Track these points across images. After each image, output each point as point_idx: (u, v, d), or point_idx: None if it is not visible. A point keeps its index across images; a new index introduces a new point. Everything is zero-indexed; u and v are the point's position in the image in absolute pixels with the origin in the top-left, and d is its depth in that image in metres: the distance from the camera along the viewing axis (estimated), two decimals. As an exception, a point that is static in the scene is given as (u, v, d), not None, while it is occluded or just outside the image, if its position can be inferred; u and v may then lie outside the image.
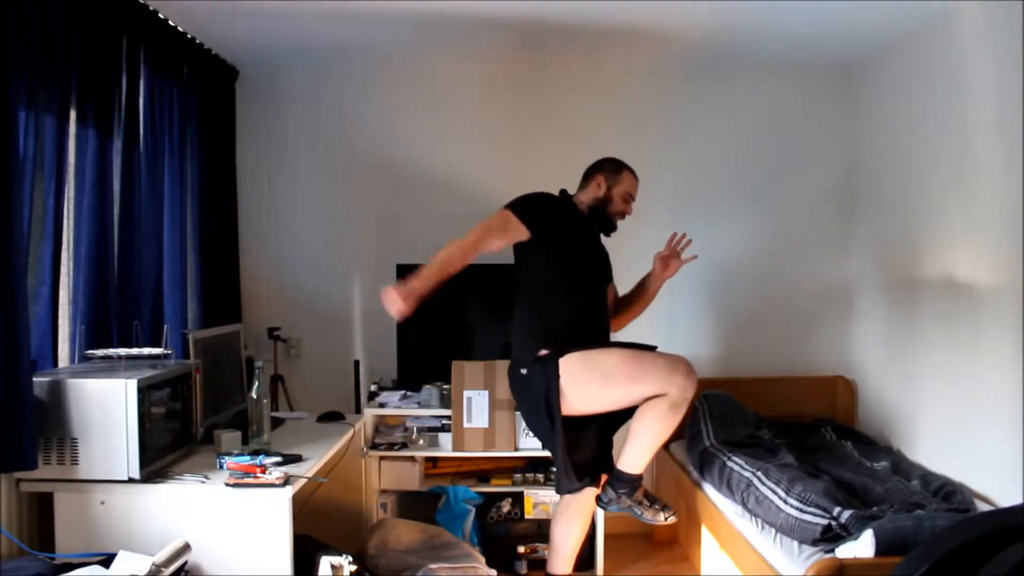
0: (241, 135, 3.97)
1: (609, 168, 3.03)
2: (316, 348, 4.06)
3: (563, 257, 2.85)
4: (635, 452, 2.77)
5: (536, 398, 2.81)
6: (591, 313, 2.92)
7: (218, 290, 3.65)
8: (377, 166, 4.07)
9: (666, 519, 2.84)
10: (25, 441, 2.11)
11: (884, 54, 3.70)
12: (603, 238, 3.08)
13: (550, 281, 2.85)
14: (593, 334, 2.86)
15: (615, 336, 3.09)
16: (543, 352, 2.78)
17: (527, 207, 2.85)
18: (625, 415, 2.94)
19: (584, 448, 2.88)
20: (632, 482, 2.81)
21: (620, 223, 3.07)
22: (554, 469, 3.10)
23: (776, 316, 4.13)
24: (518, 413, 3.36)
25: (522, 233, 2.81)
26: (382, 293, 2.66)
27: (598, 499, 2.90)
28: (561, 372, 2.73)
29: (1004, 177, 2.81)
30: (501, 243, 2.81)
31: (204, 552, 2.21)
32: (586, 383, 2.74)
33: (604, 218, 3.01)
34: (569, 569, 3.02)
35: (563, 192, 3.06)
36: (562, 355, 2.74)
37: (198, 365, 2.71)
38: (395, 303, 2.63)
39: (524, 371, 2.83)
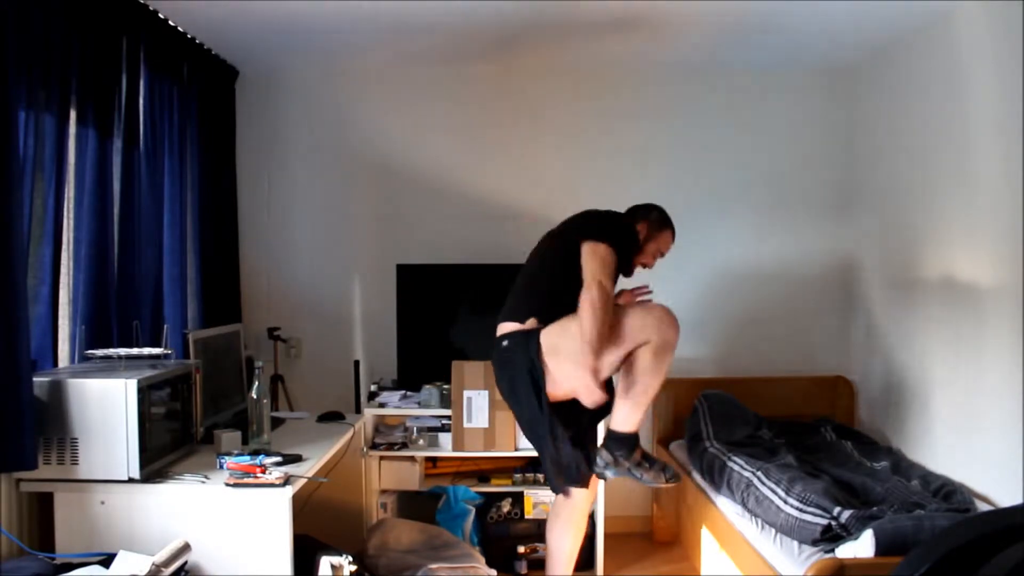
0: (241, 135, 3.97)
1: (654, 219, 2.95)
2: (316, 348, 4.06)
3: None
4: (627, 408, 2.63)
5: (518, 374, 2.66)
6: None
7: (218, 290, 3.65)
8: (377, 166, 4.07)
9: (668, 480, 2.68)
10: (25, 441, 2.11)
11: (884, 54, 3.70)
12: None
13: (567, 285, 2.70)
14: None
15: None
16: (529, 324, 2.67)
17: (622, 242, 2.73)
18: (605, 411, 2.83)
19: (573, 446, 2.81)
20: (627, 441, 2.67)
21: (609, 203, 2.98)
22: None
23: (776, 316, 4.13)
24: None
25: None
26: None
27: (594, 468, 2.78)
28: (543, 343, 2.61)
29: (1004, 177, 2.81)
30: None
31: (204, 552, 2.21)
32: (566, 351, 2.59)
33: (627, 265, 2.92)
34: (569, 571, 3.01)
35: (630, 215, 2.97)
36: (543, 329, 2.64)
37: (198, 365, 2.71)
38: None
39: (505, 343, 2.70)
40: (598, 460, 2.74)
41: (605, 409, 2.85)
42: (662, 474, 2.68)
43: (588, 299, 2.54)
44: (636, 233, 2.94)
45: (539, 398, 2.64)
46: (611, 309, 2.54)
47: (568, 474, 2.78)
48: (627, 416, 2.65)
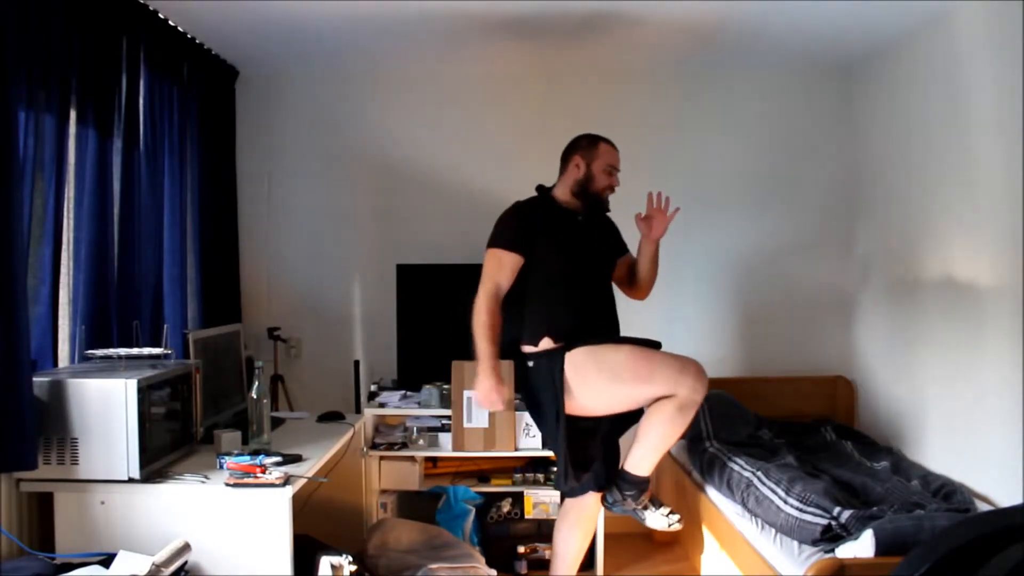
0: (241, 135, 3.97)
1: (584, 145, 2.95)
2: (316, 348, 4.06)
3: (557, 260, 2.82)
4: (641, 453, 2.74)
5: (541, 392, 2.77)
6: (595, 307, 2.88)
7: (218, 290, 3.65)
8: (377, 166, 4.07)
9: (670, 525, 2.81)
10: (25, 441, 2.11)
11: (884, 54, 3.70)
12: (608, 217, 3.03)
13: (549, 281, 2.82)
14: (600, 329, 2.83)
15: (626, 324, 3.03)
16: (549, 345, 2.75)
17: (507, 236, 2.84)
18: (631, 419, 2.92)
19: (589, 450, 2.85)
20: (638, 484, 2.79)
21: (620, 211, 3.01)
22: (555, 468, 3.09)
23: (776, 316, 4.13)
24: (518, 413, 3.36)
25: (518, 262, 2.81)
26: (479, 400, 2.79)
27: (603, 498, 2.89)
28: (567, 367, 2.70)
29: (1004, 177, 2.81)
30: (510, 279, 2.81)
31: (204, 552, 2.21)
32: (593, 379, 2.70)
33: (592, 198, 2.92)
34: (573, 572, 3.01)
35: (540, 189, 3.01)
36: (569, 349, 2.72)
37: (198, 365, 2.71)
38: (491, 395, 2.74)
39: (530, 363, 2.80)
40: (608, 495, 2.87)
41: (628, 421, 2.91)
42: (666, 518, 2.81)
43: (477, 299, 2.79)
44: (537, 204, 2.95)
45: (558, 410, 2.73)
46: (493, 307, 2.78)
47: (576, 481, 2.83)
48: (641, 461, 2.76)
